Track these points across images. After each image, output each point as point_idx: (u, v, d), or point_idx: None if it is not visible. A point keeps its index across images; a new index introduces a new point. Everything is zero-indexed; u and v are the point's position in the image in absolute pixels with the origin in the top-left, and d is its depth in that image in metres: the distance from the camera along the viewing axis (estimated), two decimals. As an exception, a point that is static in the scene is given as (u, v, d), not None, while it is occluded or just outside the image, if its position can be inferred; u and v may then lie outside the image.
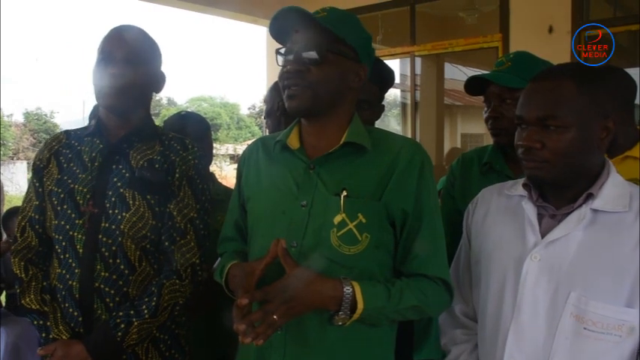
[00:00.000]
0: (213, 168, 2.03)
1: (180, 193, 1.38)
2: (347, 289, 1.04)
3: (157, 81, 1.44)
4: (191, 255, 1.37)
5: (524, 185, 1.17)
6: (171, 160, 1.39)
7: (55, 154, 1.43)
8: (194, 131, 1.87)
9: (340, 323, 1.06)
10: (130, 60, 1.34)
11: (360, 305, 1.04)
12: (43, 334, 1.35)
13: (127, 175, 1.36)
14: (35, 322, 1.36)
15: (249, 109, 29.52)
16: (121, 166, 1.37)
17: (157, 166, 1.38)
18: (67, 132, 1.48)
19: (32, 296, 1.37)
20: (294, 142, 1.18)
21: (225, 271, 1.20)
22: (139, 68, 1.36)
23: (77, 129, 1.48)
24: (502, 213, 1.22)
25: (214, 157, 2.02)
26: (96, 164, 1.38)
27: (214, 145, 2.05)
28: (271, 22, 1.14)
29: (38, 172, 1.43)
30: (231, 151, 22.42)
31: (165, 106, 26.29)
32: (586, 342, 1.05)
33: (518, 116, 1.12)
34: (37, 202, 1.41)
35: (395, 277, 1.14)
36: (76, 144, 1.43)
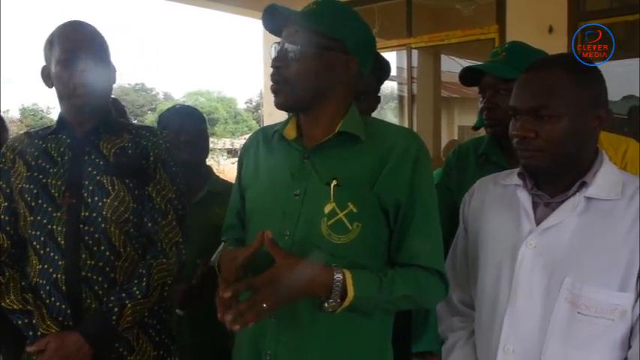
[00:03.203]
0: (210, 162, 2.03)
1: (156, 176, 1.41)
2: (337, 277, 1.03)
3: (113, 72, 1.46)
4: (174, 234, 1.40)
5: (520, 174, 1.19)
6: (143, 146, 1.42)
7: (20, 153, 1.41)
8: (189, 124, 1.87)
9: (330, 310, 1.06)
10: (94, 55, 1.36)
11: (351, 293, 1.03)
12: (30, 333, 1.32)
13: (102, 163, 1.38)
14: (20, 322, 1.33)
15: (246, 103, 29.55)
16: (93, 156, 1.39)
17: (129, 152, 1.41)
18: (27, 133, 1.49)
19: (12, 297, 1.34)
20: (290, 132, 1.19)
21: (219, 258, 1.22)
22: (103, 62, 1.39)
23: (38, 129, 1.49)
24: (498, 202, 1.23)
25: (211, 152, 2.02)
26: (66, 158, 1.39)
27: (211, 139, 2.04)
28: (262, 21, 1.17)
29: (4, 173, 1.41)
30: (228, 145, 22.40)
31: (161, 101, 26.25)
32: (580, 326, 1.07)
33: (512, 107, 1.14)
34: (6, 204, 1.39)
35: (389, 267, 1.13)
36: (40, 142, 1.42)
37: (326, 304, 1.05)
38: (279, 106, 1.14)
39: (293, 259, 1.04)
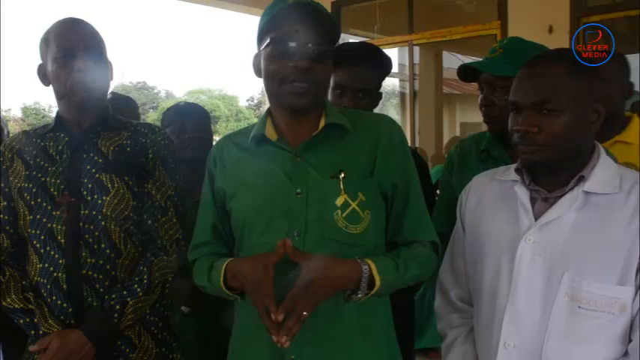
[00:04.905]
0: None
1: (155, 173, 1.41)
2: (364, 269, 1.06)
3: (110, 69, 1.44)
4: (174, 231, 1.40)
5: (517, 170, 1.19)
6: (142, 143, 1.41)
7: (18, 152, 1.41)
8: (193, 121, 1.88)
9: (355, 301, 1.08)
10: (93, 52, 1.35)
11: (378, 282, 1.06)
12: (32, 332, 1.32)
13: (101, 161, 1.37)
14: (21, 321, 1.33)
15: (247, 100, 29.48)
16: (92, 154, 1.38)
17: (128, 149, 1.40)
18: (25, 132, 1.48)
19: (13, 296, 1.33)
20: (271, 133, 1.17)
21: (222, 268, 1.13)
22: (100, 59, 1.38)
23: (36, 128, 1.48)
24: (495, 198, 1.23)
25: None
26: (65, 156, 1.38)
27: (213, 137, 2.05)
28: (273, 15, 1.11)
29: (2, 173, 1.40)
30: (230, 143, 22.32)
31: (163, 99, 26.26)
32: (580, 320, 1.07)
33: (513, 102, 1.13)
34: (5, 203, 1.39)
35: (387, 248, 1.18)
36: (39, 141, 1.41)
37: (353, 296, 1.07)
38: (304, 107, 1.12)
39: (318, 259, 1.05)
